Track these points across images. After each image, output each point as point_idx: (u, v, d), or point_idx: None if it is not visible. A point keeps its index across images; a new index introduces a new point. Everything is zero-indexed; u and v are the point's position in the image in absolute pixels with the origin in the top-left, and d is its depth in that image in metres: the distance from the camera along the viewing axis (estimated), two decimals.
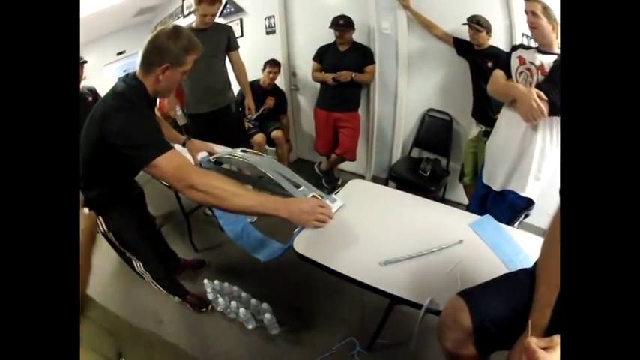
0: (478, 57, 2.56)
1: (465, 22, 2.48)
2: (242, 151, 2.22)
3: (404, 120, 3.29)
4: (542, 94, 1.72)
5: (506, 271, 1.29)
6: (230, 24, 4.00)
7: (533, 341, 0.82)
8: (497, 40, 2.54)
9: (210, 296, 2.36)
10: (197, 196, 1.40)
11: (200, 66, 2.88)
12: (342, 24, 2.94)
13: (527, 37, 2.44)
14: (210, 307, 2.40)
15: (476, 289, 1.16)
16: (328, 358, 2.08)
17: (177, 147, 1.93)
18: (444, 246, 1.50)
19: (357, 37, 3.07)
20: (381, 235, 1.60)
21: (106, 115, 1.44)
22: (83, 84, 2.59)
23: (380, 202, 1.85)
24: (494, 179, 2.10)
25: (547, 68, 1.80)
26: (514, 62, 1.96)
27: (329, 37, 3.13)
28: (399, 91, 3.18)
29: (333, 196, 1.84)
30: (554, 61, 1.79)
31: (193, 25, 2.94)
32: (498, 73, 2.01)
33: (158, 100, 2.97)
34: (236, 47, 3.12)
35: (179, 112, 3.17)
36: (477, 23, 2.42)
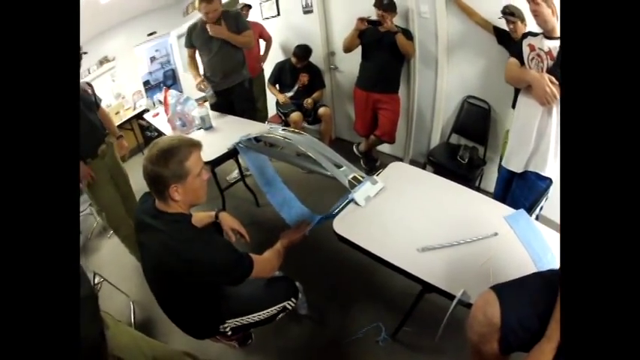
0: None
1: (500, 15, 2.45)
2: (282, 129, 2.27)
3: (443, 105, 3.25)
4: (553, 78, 1.80)
5: (535, 269, 1.30)
6: (265, 3, 4.16)
7: None
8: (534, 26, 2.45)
9: None
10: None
11: (215, 54, 3.17)
12: (387, 4, 2.88)
13: None
14: None
15: (508, 286, 1.17)
16: (352, 341, 2.11)
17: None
18: (480, 237, 1.51)
19: (396, 20, 3.00)
20: (419, 221, 1.65)
21: (178, 253, 1.36)
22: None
23: (419, 187, 1.88)
24: (516, 162, 2.14)
25: (554, 52, 1.86)
26: (525, 50, 2.00)
27: None
28: (438, 75, 3.13)
29: (374, 177, 1.89)
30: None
31: (203, 18, 3.09)
32: (512, 61, 2.07)
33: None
34: (245, 27, 3.24)
35: (210, 92, 3.29)
36: (511, 14, 2.39)
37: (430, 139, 3.45)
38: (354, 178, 1.88)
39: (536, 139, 2.00)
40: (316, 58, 3.88)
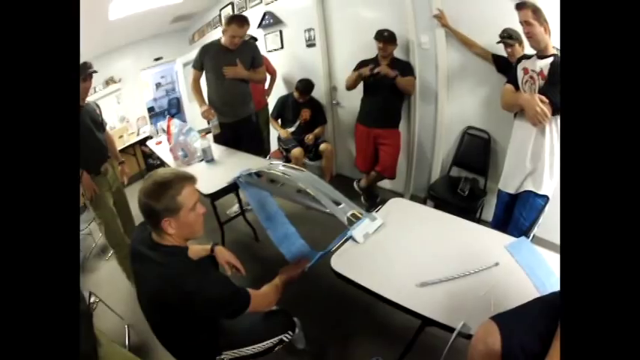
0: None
1: (499, 39, 2.48)
2: (283, 165, 2.28)
3: (444, 137, 3.24)
4: (543, 97, 1.87)
5: (538, 294, 1.28)
6: (269, 35, 4.21)
7: None
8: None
9: None
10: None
11: (223, 81, 3.10)
12: (387, 36, 2.94)
13: None
14: None
15: (508, 314, 1.15)
16: None
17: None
18: (481, 268, 1.49)
19: (396, 52, 3.07)
20: (419, 256, 1.63)
21: (174, 286, 1.34)
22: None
23: (419, 222, 1.89)
24: (512, 183, 2.20)
25: (545, 71, 1.92)
26: (520, 74, 2.06)
27: (368, 51, 3.15)
28: (438, 108, 3.14)
29: (373, 214, 1.89)
30: (551, 63, 1.91)
31: (222, 41, 3.07)
32: (507, 87, 2.13)
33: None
34: (260, 64, 3.27)
35: (216, 122, 3.25)
36: (509, 37, 2.42)
37: (431, 174, 3.42)
38: (353, 215, 1.88)
39: (531, 159, 2.05)
40: (318, 92, 3.91)
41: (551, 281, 1.37)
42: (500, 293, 1.36)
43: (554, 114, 1.88)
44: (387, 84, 3.04)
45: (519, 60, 2.09)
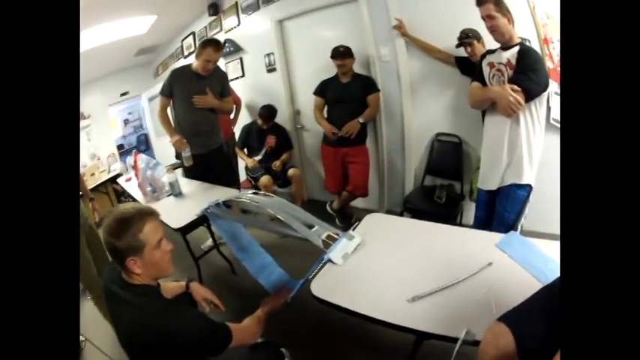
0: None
1: (457, 42, 2.51)
2: (252, 193, 2.19)
3: (413, 147, 3.20)
4: (514, 86, 1.84)
5: (540, 285, 1.24)
6: (230, 63, 4.15)
7: None
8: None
9: None
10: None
11: (194, 111, 2.98)
12: (343, 51, 2.93)
13: (522, 39, 2.52)
14: None
15: (515, 311, 1.10)
16: None
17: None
18: (474, 272, 1.43)
19: (356, 67, 3.05)
20: (405, 270, 1.56)
21: (150, 326, 1.25)
22: None
23: (400, 235, 1.81)
24: (492, 180, 2.16)
25: (513, 61, 1.90)
26: (485, 69, 2.06)
27: (329, 71, 3.12)
28: (405, 119, 3.11)
29: (351, 232, 1.82)
30: (518, 52, 1.90)
31: (193, 66, 2.96)
32: (474, 85, 2.11)
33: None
34: (229, 93, 3.18)
35: (188, 154, 3.04)
36: (466, 37, 2.44)
37: (404, 186, 3.36)
38: (329, 236, 1.79)
39: (508, 152, 2.02)
40: (282, 117, 3.84)
41: (549, 267, 1.34)
42: (499, 292, 1.30)
43: (527, 101, 1.86)
44: (351, 98, 3.01)
45: (483, 57, 2.09)
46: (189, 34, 4.61)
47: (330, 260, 1.67)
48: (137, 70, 4.92)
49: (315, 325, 2.36)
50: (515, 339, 1.01)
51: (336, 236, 1.78)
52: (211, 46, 2.83)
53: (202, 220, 2.46)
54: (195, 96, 2.93)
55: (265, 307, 1.63)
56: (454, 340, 1.16)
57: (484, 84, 2.06)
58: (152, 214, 1.33)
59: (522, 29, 2.25)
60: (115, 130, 5.00)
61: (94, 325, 2.71)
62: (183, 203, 2.78)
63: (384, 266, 1.59)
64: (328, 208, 3.69)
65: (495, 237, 1.62)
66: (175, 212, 2.55)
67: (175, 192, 2.88)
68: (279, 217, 1.82)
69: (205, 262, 2.97)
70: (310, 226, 1.85)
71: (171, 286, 1.73)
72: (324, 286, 1.54)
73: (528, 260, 1.42)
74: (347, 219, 3.59)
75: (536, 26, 2.35)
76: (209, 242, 3.32)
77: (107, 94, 4.76)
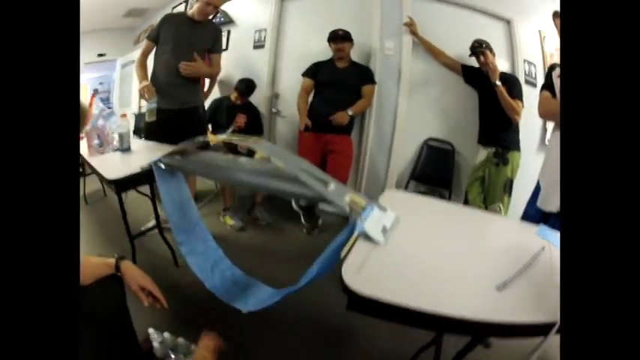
0: (489, 81, 2.52)
1: (470, 52, 2.53)
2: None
3: (400, 149, 3.06)
4: None
5: None
6: None
7: None
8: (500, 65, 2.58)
9: (158, 353, 1.39)
10: None
11: (177, 57, 2.61)
12: (342, 34, 2.78)
13: (528, 62, 2.70)
14: None
15: None
16: None
17: None
18: (535, 255, 1.21)
19: (356, 58, 2.94)
20: (455, 254, 1.23)
21: None
22: None
23: (432, 217, 1.54)
24: (554, 202, 1.96)
25: None
26: (556, 81, 1.95)
27: (320, 58, 2.99)
28: (397, 118, 2.99)
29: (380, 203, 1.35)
30: None
31: (189, 12, 2.68)
32: (545, 94, 2.00)
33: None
34: (219, 51, 2.87)
35: (153, 105, 2.59)
36: (479, 46, 2.46)
37: (384, 190, 3.09)
38: (352, 201, 1.28)
39: None
40: (258, 99, 3.54)
41: None
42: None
43: None
44: (344, 85, 2.86)
45: (553, 67, 2.03)
46: (182, 2, 4.21)
47: (364, 235, 1.19)
48: (120, 33, 4.67)
49: (286, 335, 1.88)
50: None
51: (361, 202, 1.28)
52: None
53: (144, 179, 2.03)
54: (183, 62, 2.57)
55: (211, 343, 1.27)
56: (544, 331, 0.92)
57: (554, 95, 1.96)
58: None
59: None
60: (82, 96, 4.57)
61: None
62: (128, 158, 2.32)
63: (433, 249, 1.23)
64: (294, 204, 3.30)
65: (524, 226, 1.53)
66: (115, 163, 2.17)
67: (124, 147, 2.39)
68: (274, 160, 1.37)
69: (142, 246, 2.47)
70: (323, 182, 1.35)
71: (93, 263, 1.24)
72: (359, 277, 1.03)
73: None
74: (314, 219, 3.21)
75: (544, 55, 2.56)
76: (151, 224, 2.75)
77: (86, 52, 4.48)
